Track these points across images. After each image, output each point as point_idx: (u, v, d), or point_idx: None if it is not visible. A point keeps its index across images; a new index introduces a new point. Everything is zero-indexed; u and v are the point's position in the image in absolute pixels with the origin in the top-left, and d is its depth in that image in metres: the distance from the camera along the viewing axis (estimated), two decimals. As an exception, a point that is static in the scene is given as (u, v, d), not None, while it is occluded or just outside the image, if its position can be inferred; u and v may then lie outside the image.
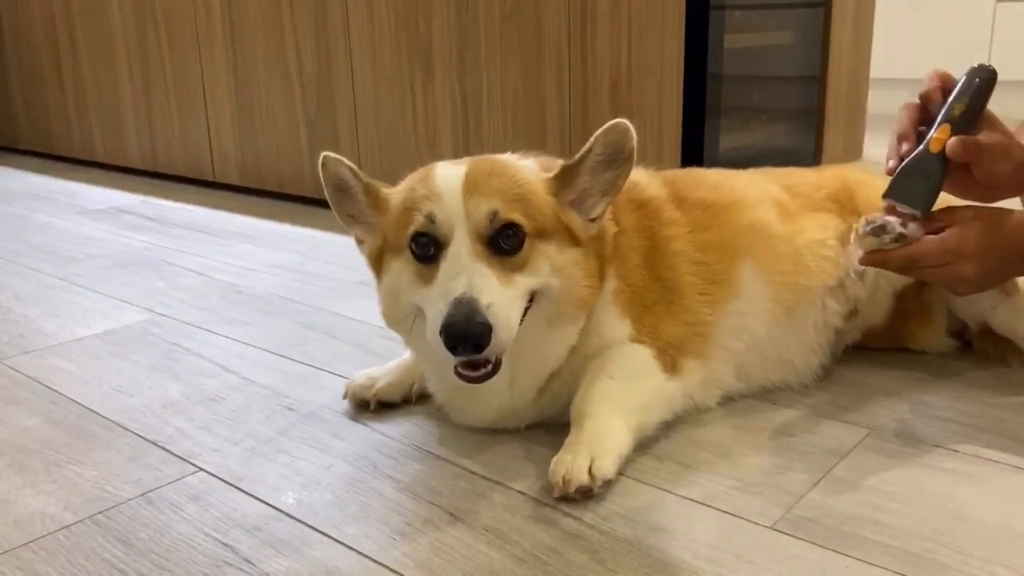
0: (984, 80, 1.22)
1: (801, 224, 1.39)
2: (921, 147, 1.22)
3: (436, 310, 1.06)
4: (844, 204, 1.45)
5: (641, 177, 1.35)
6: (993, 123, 1.24)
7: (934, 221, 1.23)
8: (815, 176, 1.52)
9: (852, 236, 1.26)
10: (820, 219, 1.42)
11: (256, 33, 2.91)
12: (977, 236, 1.22)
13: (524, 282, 1.11)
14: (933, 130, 1.22)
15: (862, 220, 1.23)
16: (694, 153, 2.11)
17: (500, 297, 1.06)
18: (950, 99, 1.23)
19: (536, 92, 2.30)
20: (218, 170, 3.21)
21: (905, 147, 1.24)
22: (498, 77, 2.36)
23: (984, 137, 1.21)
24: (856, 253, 1.29)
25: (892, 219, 1.21)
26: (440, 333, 1.04)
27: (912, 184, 1.21)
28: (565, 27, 2.20)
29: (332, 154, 1.23)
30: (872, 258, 1.24)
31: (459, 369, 1.09)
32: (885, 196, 1.23)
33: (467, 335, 1.02)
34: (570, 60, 2.21)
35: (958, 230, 1.22)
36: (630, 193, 1.29)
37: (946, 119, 1.21)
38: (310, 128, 2.85)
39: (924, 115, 1.26)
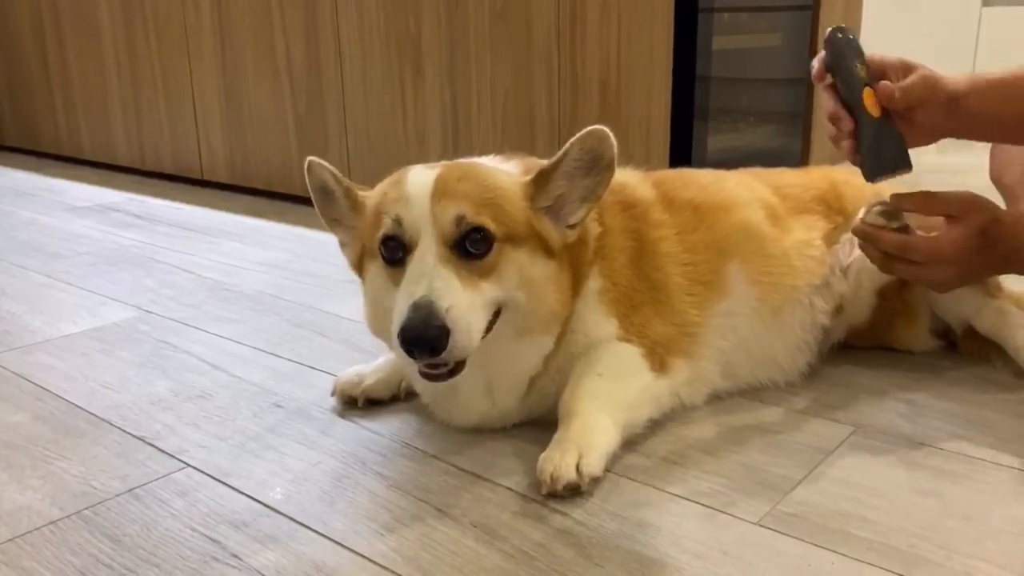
0: (853, 37, 1.26)
1: (788, 225, 1.41)
2: (864, 121, 1.23)
3: (398, 312, 1.07)
4: (831, 204, 1.46)
5: (630, 178, 1.36)
6: (908, 66, 1.25)
7: (938, 206, 1.29)
8: (803, 177, 1.53)
9: (862, 211, 1.34)
10: (807, 220, 1.43)
11: (245, 31, 2.90)
12: (966, 247, 1.27)
13: (491, 289, 1.10)
14: (859, 100, 1.23)
15: (874, 200, 1.33)
16: (682, 154, 2.12)
17: (461, 301, 1.06)
18: (843, 65, 1.25)
19: (526, 92, 2.30)
20: (206, 168, 3.20)
21: (847, 125, 1.25)
22: (488, 76, 2.37)
23: (908, 81, 1.23)
24: (856, 223, 1.34)
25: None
26: (397, 336, 1.04)
27: (885, 152, 1.23)
28: (555, 27, 2.20)
29: (316, 159, 1.24)
30: (869, 229, 1.31)
31: (421, 368, 1.10)
32: (872, 180, 1.25)
33: (422, 339, 1.02)
34: (560, 60, 2.22)
35: (953, 239, 1.27)
36: (618, 195, 1.30)
37: (863, 84, 1.24)
38: (299, 127, 2.85)
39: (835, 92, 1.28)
